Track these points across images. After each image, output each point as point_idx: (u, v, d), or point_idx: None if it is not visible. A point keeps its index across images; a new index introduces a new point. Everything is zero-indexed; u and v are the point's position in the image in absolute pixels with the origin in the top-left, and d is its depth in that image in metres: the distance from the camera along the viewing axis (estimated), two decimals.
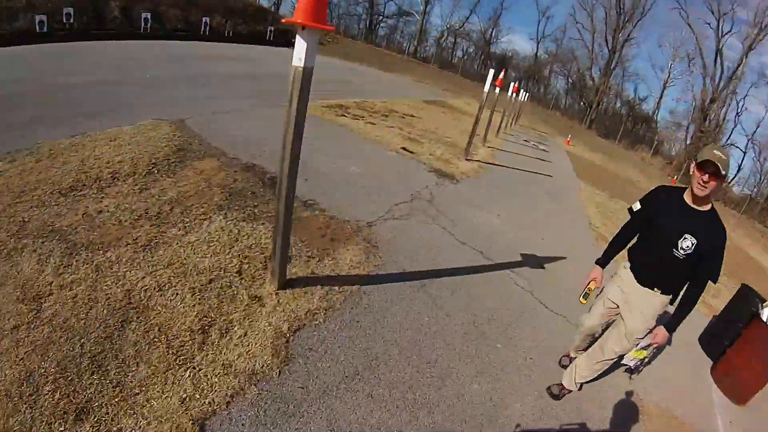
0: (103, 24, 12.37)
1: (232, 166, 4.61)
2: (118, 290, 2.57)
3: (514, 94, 12.70)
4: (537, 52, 43.23)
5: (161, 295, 2.62)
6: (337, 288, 3.18)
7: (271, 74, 11.42)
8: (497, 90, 8.55)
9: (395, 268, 3.73)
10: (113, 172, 4.01)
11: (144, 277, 2.74)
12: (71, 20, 10.53)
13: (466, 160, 7.88)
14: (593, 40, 44.53)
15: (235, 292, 2.82)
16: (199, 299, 2.68)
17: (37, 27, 9.26)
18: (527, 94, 15.75)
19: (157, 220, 3.41)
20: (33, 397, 1.86)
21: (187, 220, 3.46)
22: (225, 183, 4.13)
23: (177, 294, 2.66)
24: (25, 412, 1.79)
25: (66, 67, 7.51)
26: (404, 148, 7.21)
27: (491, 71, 7.15)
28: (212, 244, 3.22)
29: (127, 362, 2.13)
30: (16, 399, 1.83)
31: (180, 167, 4.29)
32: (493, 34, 40.35)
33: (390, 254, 3.89)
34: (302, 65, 2.12)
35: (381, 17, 37.81)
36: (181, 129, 5.30)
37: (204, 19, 20.66)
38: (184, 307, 2.58)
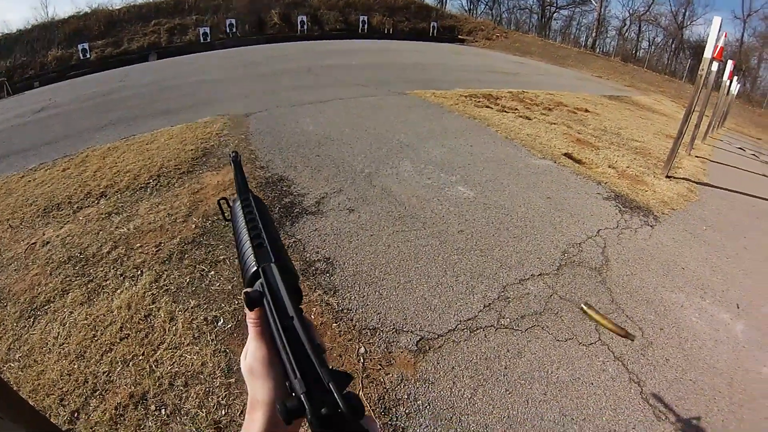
0: (264, 30, 13.36)
1: (249, 180, 3.36)
2: None
3: (729, 82, 8.20)
4: (742, 35, 28.93)
5: None
6: None
7: (400, 65, 10.16)
8: (714, 66, 5.08)
9: None
10: (108, 186, 3.24)
11: None
12: (234, 29, 11.57)
13: (667, 177, 4.60)
14: None
15: None
16: None
17: (201, 38, 10.31)
18: (738, 85, 10.55)
19: (81, 268, 2.37)
20: None
21: (110, 275, 2.30)
22: (211, 212, 2.89)
23: None
24: None
25: (191, 69, 7.92)
26: (568, 155, 4.39)
27: (716, 19, 3.89)
28: (97, 331, 1.96)
29: None
30: None
31: (181, 181, 3.24)
32: (686, 15, 29.18)
33: None
34: None
35: (554, 8, 32.31)
36: (234, 127, 4.38)
37: (361, 18, 21.18)
38: None
